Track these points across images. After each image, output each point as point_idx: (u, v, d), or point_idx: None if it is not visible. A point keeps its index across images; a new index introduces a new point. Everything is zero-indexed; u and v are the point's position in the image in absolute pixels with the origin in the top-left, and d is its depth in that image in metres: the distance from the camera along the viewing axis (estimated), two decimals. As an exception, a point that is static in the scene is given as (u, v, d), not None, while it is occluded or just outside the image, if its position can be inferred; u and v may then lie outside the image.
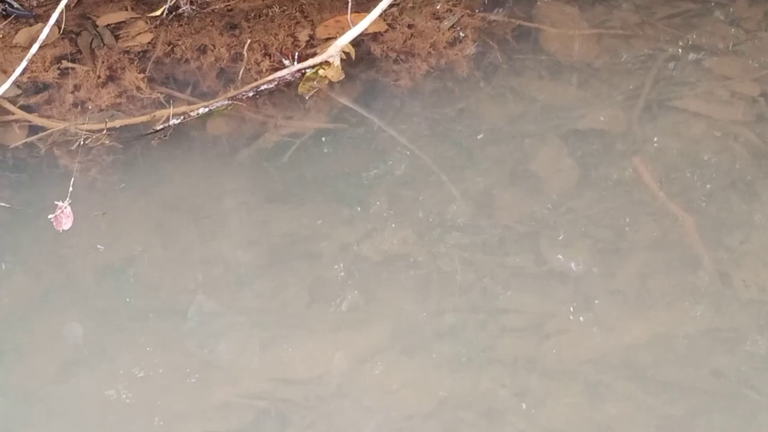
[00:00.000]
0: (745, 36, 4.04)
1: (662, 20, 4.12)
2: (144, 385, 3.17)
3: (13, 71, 3.25)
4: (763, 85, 3.85)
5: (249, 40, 4.04)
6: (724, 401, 3.07)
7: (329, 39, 3.97)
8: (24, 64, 3.16)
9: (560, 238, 3.49)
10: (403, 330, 3.28)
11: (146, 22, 4.13)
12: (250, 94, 3.85)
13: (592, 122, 3.80)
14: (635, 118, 3.78)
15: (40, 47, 3.22)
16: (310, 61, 3.89)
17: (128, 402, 3.14)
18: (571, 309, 3.30)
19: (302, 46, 4.03)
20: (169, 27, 4.11)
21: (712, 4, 4.17)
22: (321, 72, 3.90)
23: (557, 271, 3.41)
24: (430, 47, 4.04)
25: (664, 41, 4.03)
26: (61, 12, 3.47)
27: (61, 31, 4.06)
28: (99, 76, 3.93)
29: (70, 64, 3.99)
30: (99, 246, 3.50)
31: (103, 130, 3.74)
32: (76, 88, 3.90)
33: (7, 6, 4.17)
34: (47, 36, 3.35)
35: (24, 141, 3.75)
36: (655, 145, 3.71)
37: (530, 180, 3.65)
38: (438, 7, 4.17)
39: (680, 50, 4.01)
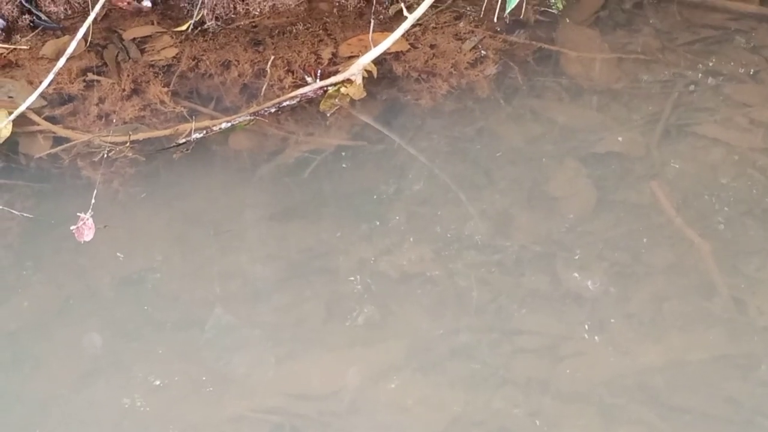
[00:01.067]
0: (765, 63, 4.03)
1: (683, 46, 4.12)
2: (160, 396, 3.18)
3: (40, 82, 3.26)
4: (784, 112, 3.86)
5: (272, 57, 4.05)
6: (736, 428, 3.06)
7: (352, 57, 3.98)
8: (51, 76, 3.18)
9: (576, 259, 3.49)
10: (418, 347, 3.27)
11: (172, 37, 4.15)
12: (273, 110, 3.86)
13: (611, 145, 3.79)
14: (654, 143, 3.78)
15: (67, 59, 3.22)
16: (333, 79, 3.90)
17: (144, 411, 3.14)
18: (586, 331, 3.30)
19: (325, 64, 4.03)
20: (194, 42, 4.13)
21: (733, 30, 4.17)
22: (343, 90, 3.91)
23: (573, 292, 3.40)
24: (451, 67, 4.05)
25: (684, 67, 4.03)
26: (89, 25, 3.48)
27: (88, 44, 4.08)
28: (124, 89, 3.94)
29: (95, 77, 4.00)
30: (119, 256, 3.51)
31: (126, 142, 3.74)
32: (101, 100, 3.92)
33: (35, 18, 4.19)
34: (74, 48, 3.35)
35: (48, 152, 3.76)
36: (674, 169, 3.70)
37: (548, 201, 3.64)
38: (460, 27, 4.18)
39: (700, 76, 4.01)
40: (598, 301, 3.37)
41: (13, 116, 3.60)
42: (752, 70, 4.01)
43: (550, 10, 4.28)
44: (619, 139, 3.81)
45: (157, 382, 3.20)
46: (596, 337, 3.28)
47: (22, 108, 3.39)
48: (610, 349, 3.24)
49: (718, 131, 3.80)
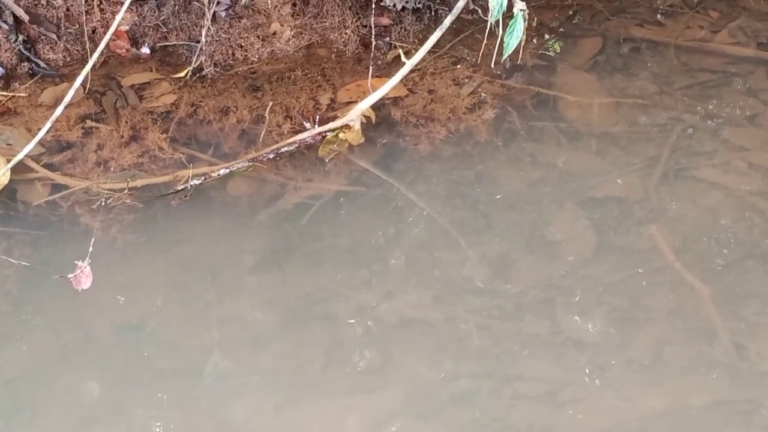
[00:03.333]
0: (762, 107, 4.05)
1: (680, 90, 4.13)
2: (156, 444, 3.18)
3: (38, 130, 3.26)
4: (782, 155, 3.87)
5: (271, 103, 4.07)
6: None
7: (350, 103, 3.99)
8: (49, 124, 3.19)
9: (576, 304, 3.49)
10: (418, 393, 3.27)
11: (170, 83, 4.16)
12: (271, 156, 3.87)
13: (610, 189, 3.80)
14: (653, 187, 3.79)
15: (65, 107, 3.24)
16: (331, 125, 3.91)
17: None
18: (587, 376, 3.29)
19: (323, 110, 4.05)
20: (193, 88, 4.14)
21: (730, 74, 4.19)
22: (341, 135, 3.92)
23: (573, 337, 3.40)
24: (449, 112, 4.06)
25: (682, 110, 4.05)
26: (87, 72, 3.49)
27: (86, 91, 4.09)
28: (122, 136, 3.95)
29: (94, 124, 4.01)
30: (119, 302, 3.51)
31: (124, 189, 3.75)
32: (99, 147, 3.93)
33: (33, 65, 4.20)
34: (72, 96, 3.36)
35: (46, 199, 3.76)
36: (673, 213, 3.71)
37: (547, 245, 3.65)
38: (458, 72, 4.19)
39: (698, 119, 4.02)
40: (599, 346, 3.37)
41: (11, 164, 3.60)
42: (750, 114, 4.03)
43: (547, 54, 4.31)
44: (618, 182, 3.82)
45: (157, 430, 3.19)
46: (597, 383, 3.27)
47: (20, 156, 3.40)
48: (611, 394, 3.23)
49: (716, 175, 3.80)
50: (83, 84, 3.99)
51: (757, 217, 3.68)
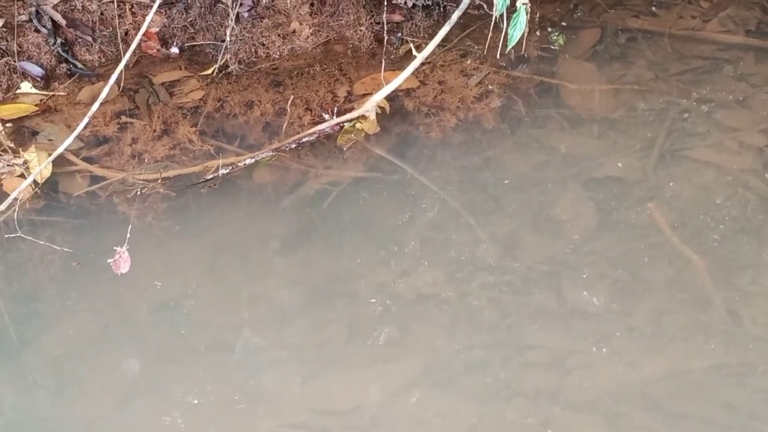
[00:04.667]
0: (752, 90, 4.05)
1: (675, 76, 4.14)
2: (196, 414, 3.18)
3: (77, 126, 3.28)
4: (770, 135, 3.87)
5: (292, 97, 4.07)
6: (738, 430, 3.06)
7: (366, 95, 4.00)
8: (86, 120, 3.20)
9: (581, 278, 3.50)
10: (435, 364, 3.28)
11: (198, 80, 4.18)
12: (293, 146, 3.88)
13: (611, 170, 3.81)
14: (650, 167, 3.79)
15: (101, 104, 3.26)
16: (348, 116, 3.92)
17: (182, 428, 3.16)
18: (592, 344, 3.31)
19: (341, 102, 4.06)
20: (219, 85, 4.16)
21: (721, 61, 4.19)
22: (358, 125, 3.93)
23: (578, 309, 3.41)
24: (458, 101, 4.07)
25: (677, 95, 4.05)
26: (121, 71, 3.51)
27: (121, 89, 4.11)
28: (155, 130, 3.97)
29: (128, 119, 4.03)
30: (155, 284, 3.53)
31: (158, 179, 3.77)
32: (134, 141, 3.94)
33: (71, 66, 4.22)
34: (108, 93, 3.38)
35: (86, 190, 3.79)
36: (669, 191, 3.72)
37: (553, 224, 3.66)
38: (466, 64, 4.20)
39: (692, 104, 4.02)
40: (602, 316, 3.38)
41: (52, 157, 3.62)
42: (740, 97, 4.03)
43: (550, 46, 4.31)
44: (618, 164, 3.82)
45: (194, 401, 3.21)
46: (602, 350, 3.29)
47: (60, 150, 3.42)
48: (614, 360, 3.25)
49: (710, 155, 3.81)
50: (117, 82, 4.02)
51: (749, 193, 3.68)
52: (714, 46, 4.26)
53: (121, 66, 3.44)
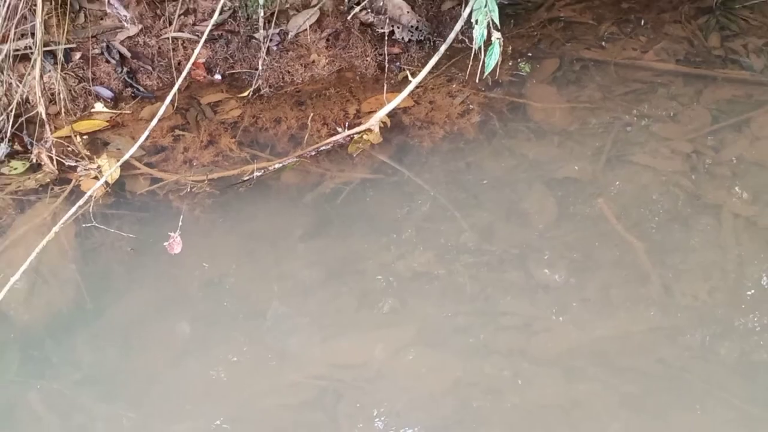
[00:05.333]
0: (681, 107, 4.05)
1: (619, 96, 4.13)
2: (237, 369, 3.21)
3: (139, 138, 3.28)
4: (695, 144, 3.86)
5: (312, 114, 4.07)
6: (667, 382, 3.07)
7: (371, 112, 3.99)
8: (147, 133, 3.21)
9: (544, 259, 3.50)
10: (427, 328, 3.30)
11: (236, 101, 4.18)
12: (313, 153, 3.88)
13: (568, 172, 3.81)
14: (600, 170, 3.79)
15: (159, 120, 3.26)
16: (357, 129, 3.92)
17: (225, 381, 3.18)
18: (553, 312, 3.31)
19: (351, 118, 4.06)
20: (253, 104, 4.16)
21: (656, 84, 4.19)
22: (365, 137, 3.93)
23: (542, 284, 3.42)
24: (445, 117, 4.07)
25: (621, 112, 4.05)
26: (175, 94, 3.51)
27: (174, 108, 4.11)
28: (202, 141, 3.98)
29: (180, 132, 4.04)
30: (203, 265, 3.54)
31: (204, 180, 3.77)
32: (185, 149, 3.95)
33: (135, 90, 4.23)
34: (164, 112, 3.38)
35: (147, 189, 3.79)
36: (615, 189, 3.72)
37: (521, 216, 3.66)
38: (452, 87, 4.20)
39: (633, 118, 4.03)
40: (561, 289, 3.39)
41: (120, 162, 3.63)
42: (672, 113, 4.03)
43: (518, 72, 4.30)
44: (575, 167, 3.83)
45: (234, 359, 3.23)
46: (560, 317, 3.30)
47: (126, 156, 3.43)
48: (571, 325, 3.26)
49: (647, 159, 3.81)
50: (172, 103, 4.02)
51: (678, 190, 3.69)
52: (650, 72, 4.25)
53: (175, 89, 3.44)
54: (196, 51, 3.63)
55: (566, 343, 3.20)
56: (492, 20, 3.42)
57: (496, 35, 3.42)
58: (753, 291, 3.33)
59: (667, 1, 4.62)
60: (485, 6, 3.42)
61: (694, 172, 3.74)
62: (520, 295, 3.36)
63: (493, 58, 3.45)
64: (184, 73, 3.51)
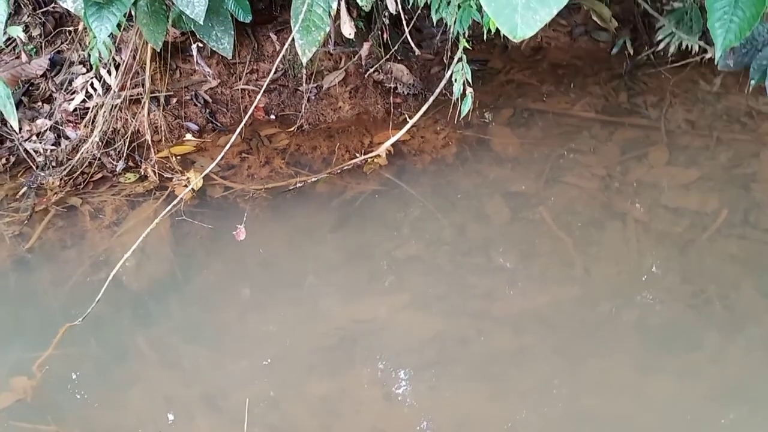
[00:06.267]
0: (598, 144, 4.04)
1: (555, 135, 4.13)
2: (283, 323, 3.22)
3: (216, 158, 3.28)
4: (608, 170, 3.84)
5: (338, 143, 4.08)
6: (586, 337, 3.08)
7: (380, 143, 3.99)
8: (222, 154, 3.20)
9: (500, 249, 3.51)
10: (417, 297, 3.30)
11: (285, 134, 4.19)
12: (338, 171, 3.88)
13: (518, 188, 3.80)
14: (541, 187, 3.79)
15: (230, 146, 3.27)
16: (370, 155, 3.92)
17: (275, 331, 3.19)
18: (506, 286, 3.32)
19: (366, 147, 4.06)
20: (297, 136, 4.17)
21: (582, 127, 4.18)
22: (376, 160, 3.94)
23: (499, 266, 3.43)
24: (432, 148, 4.07)
25: (556, 146, 4.04)
26: (242, 129, 3.52)
27: (242, 138, 4.11)
28: (261, 161, 3.98)
29: (246, 155, 4.04)
30: (260, 250, 3.55)
31: (262, 189, 3.78)
32: (249, 167, 3.96)
33: (214, 124, 4.24)
34: (234, 141, 3.38)
35: (221, 194, 3.80)
36: (552, 201, 3.72)
37: (484, 218, 3.66)
38: (437, 126, 4.20)
39: (565, 151, 4.02)
40: (512, 271, 3.40)
41: (202, 175, 3.64)
42: (592, 148, 4.02)
43: (484, 118, 4.30)
44: (523, 185, 3.82)
45: (280, 315, 3.24)
46: (512, 289, 3.30)
47: (207, 171, 3.44)
48: (518, 295, 3.27)
49: (575, 180, 3.81)
50: (240, 134, 4.03)
51: (595, 203, 3.69)
52: (577, 118, 4.25)
53: (242, 126, 3.46)
54: (258, 98, 3.64)
55: (515, 308, 3.21)
56: (466, 79, 3.43)
57: (469, 90, 3.43)
58: (647, 275, 3.33)
59: (590, 68, 4.61)
60: (461, 69, 3.43)
61: (607, 189, 3.74)
62: (484, 274, 3.36)
63: (466, 106, 3.46)
64: (248, 114, 3.52)
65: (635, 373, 2.92)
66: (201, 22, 3.20)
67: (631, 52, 4.58)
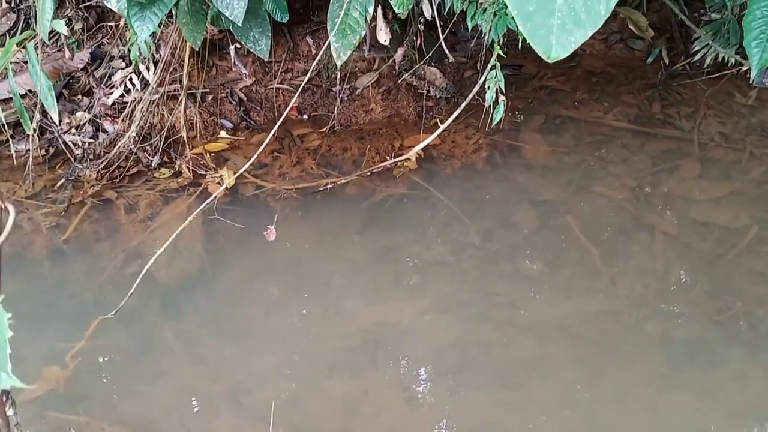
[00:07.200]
0: (629, 154, 4.01)
1: (586, 144, 4.11)
2: (308, 320, 3.24)
3: (250, 158, 3.32)
4: (639, 181, 3.82)
5: (369, 146, 4.11)
6: (609, 347, 3.06)
7: (410, 146, 4.01)
8: (255, 155, 3.25)
9: (526, 256, 3.50)
10: (441, 300, 3.31)
11: (317, 134, 4.22)
12: (368, 174, 3.91)
13: (547, 196, 3.79)
14: (570, 195, 3.78)
15: (265, 146, 3.31)
16: (400, 158, 3.94)
17: (299, 327, 3.21)
18: (531, 293, 3.31)
19: (396, 150, 4.08)
20: (329, 137, 4.20)
21: (614, 136, 4.16)
22: (405, 163, 3.95)
23: (524, 274, 3.41)
24: (462, 152, 4.07)
25: (587, 155, 4.02)
26: (276, 129, 3.55)
27: (275, 137, 4.15)
28: (292, 161, 4.02)
29: (278, 154, 4.08)
30: (287, 247, 3.58)
31: (293, 189, 3.82)
32: (281, 166, 3.99)
33: (248, 122, 4.29)
34: (268, 140, 3.42)
35: (253, 192, 3.84)
36: (580, 209, 3.70)
37: (512, 225, 3.65)
38: (468, 131, 4.20)
39: (595, 160, 3.99)
40: (537, 278, 3.38)
41: (236, 175, 3.69)
42: (623, 158, 3.99)
43: (516, 123, 4.29)
44: (552, 193, 3.81)
45: (307, 314, 3.26)
46: (536, 297, 3.29)
47: (241, 171, 3.48)
48: (542, 304, 3.26)
49: (604, 190, 3.79)
50: (273, 134, 4.06)
51: (624, 213, 3.66)
52: (609, 128, 4.22)
53: (276, 127, 3.47)
54: (294, 99, 3.67)
55: (540, 317, 3.20)
56: (499, 87, 3.43)
57: (501, 98, 3.43)
58: (674, 286, 3.30)
59: (624, 77, 4.58)
60: (495, 77, 3.43)
61: (637, 200, 3.71)
62: (509, 281, 3.36)
63: (498, 114, 3.46)
64: (283, 115, 3.56)
65: (657, 388, 2.90)
66: (240, 24, 3.24)
67: (667, 61, 4.53)
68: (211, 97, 4.23)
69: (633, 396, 2.89)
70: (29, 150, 3.97)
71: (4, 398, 1.31)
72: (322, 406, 2.92)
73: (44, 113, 4.04)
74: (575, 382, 2.94)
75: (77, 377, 3.00)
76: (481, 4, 3.30)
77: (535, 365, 3.01)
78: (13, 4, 4.26)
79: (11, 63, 3.63)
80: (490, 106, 3.49)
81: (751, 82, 2.58)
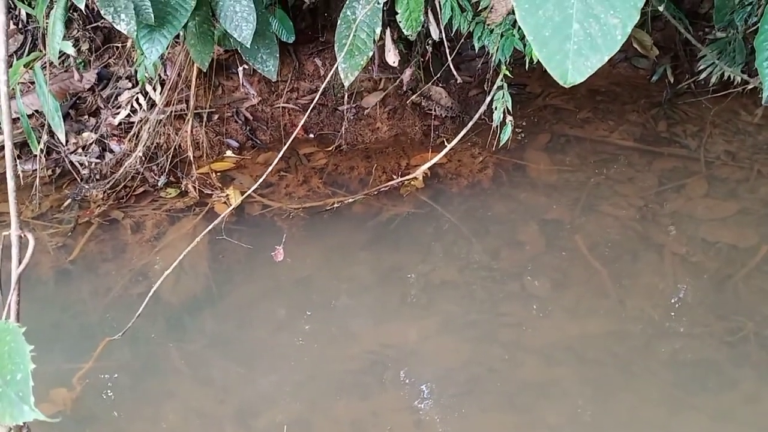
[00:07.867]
0: (635, 173, 4.00)
1: (592, 163, 4.10)
2: (312, 341, 3.22)
3: (257, 177, 3.31)
4: (646, 200, 3.81)
5: (375, 164, 4.10)
6: (618, 370, 3.03)
7: (417, 165, 4.01)
8: (264, 176, 3.24)
9: (533, 275, 3.47)
10: (448, 321, 3.28)
11: (323, 153, 4.22)
12: (375, 193, 3.90)
13: (553, 215, 3.78)
14: (576, 215, 3.76)
15: (273, 166, 3.30)
16: (407, 177, 3.94)
17: (305, 347, 3.19)
18: (538, 314, 3.28)
19: (403, 168, 4.07)
20: (335, 156, 4.19)
21: (619, 155, 4.14)
22: (412, 182, 3.95)
23: (531, 293, 3.39)
24: (468, 171, 4.06)
25: (592, 174, 4.01)
26: (283, 150, 3.55)
27: (281, 156, 4.12)
28: (298, 180, 4.01)
29: (284, 173, 4.08)
30: (294, 266, 3.56)
31: (299, 208, 3.81)
32: (287, 185, 3.99)
33: (254, 142, 4.28)
34: (277, 161, 3.41)
35: (259, 212, 3.83)
36: (587, 229, 3.68)
37: (518, 244, 3.64)
38: (474, 150, 4.20)
39: (601, 179, 3.98)
40: (544, 298, 3.36)
41: (244, 196, 3.68)
42: (629, 177, 3.98)
43: (521, 142, 4.28)
44: (559, 212, 3.79)
45: (313, 335, 3.24)
46: (544, 318, 3.27)
47: (249, 192, 3.47)
48: (550, 325, 3.23)
49: (611, 209, 3.77)
50: (282, 154, 4.06)
51: (631, 232, 3.64)
52: (615, 146, 4.21)
53: (285, 148, 3.47)
54: (302, 120, 3.67)
55: (547, 338, 3.17)
56: (507, 107, 3.42)
57: (509, 118, 3.42)
58: (682, 308, 3.27)
59: (629, 96, 4.57)
60: (502, 97, 3.42)
61: (644, 220, 3.70)
62: (516, 302, 3.34)
63: (506, 134, 3.45)
64: (292, 137, 3.56)
65: (666, 411, 2.87)
66: (248, 45, 3.24)
67: (672, 80, 4.53)
68: (216, 116, 4.23)
69: (642, 419, 2.85)
70: (36, 170, 3.97)
71: (24, 431, 1.29)
72: (331, 428, 2.89)
73: (51, 133, 4.04)
74: (584, 403, 2.91)
75: (84, 399, 2.97)
76: (488, 25, 3.30)
77: (543, 387, 2.98)
78: (20, 26, 4.27)
79: (19, 83, 3.63)
80: (496, 125, 3.48)
81: (763, 102, 2.56)
